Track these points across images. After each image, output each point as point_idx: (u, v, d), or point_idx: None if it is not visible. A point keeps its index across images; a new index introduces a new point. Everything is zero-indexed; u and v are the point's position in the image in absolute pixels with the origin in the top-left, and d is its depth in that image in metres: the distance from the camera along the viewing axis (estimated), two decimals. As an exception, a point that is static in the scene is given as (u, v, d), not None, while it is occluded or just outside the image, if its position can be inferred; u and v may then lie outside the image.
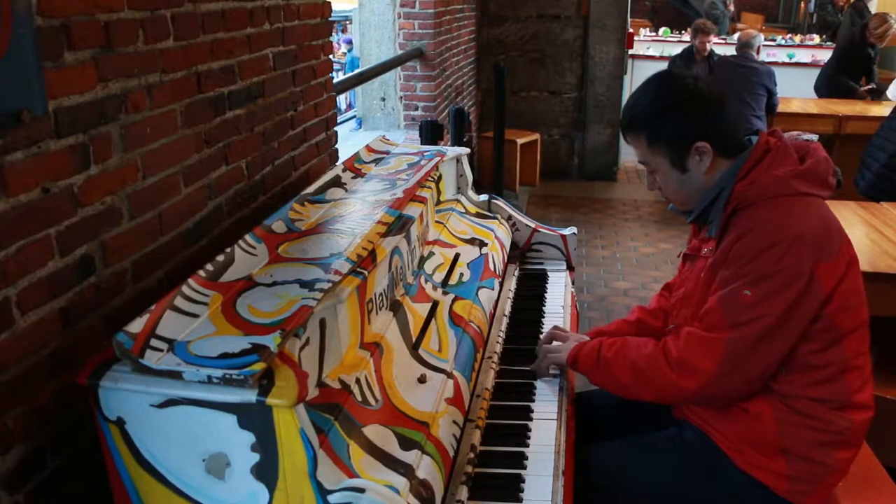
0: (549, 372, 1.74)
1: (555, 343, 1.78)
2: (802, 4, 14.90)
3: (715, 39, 7.09)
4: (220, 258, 1.41)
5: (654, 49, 10.23)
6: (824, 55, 9.03)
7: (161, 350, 1.13)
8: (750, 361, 1.46)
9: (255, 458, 1.09)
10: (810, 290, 1.43)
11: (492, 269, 2.03)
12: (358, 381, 1.28)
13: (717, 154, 1.55)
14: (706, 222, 1.61)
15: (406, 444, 1.24)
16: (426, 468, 1.21)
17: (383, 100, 4.98)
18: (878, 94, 6.55)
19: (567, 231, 2.46)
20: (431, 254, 1.93)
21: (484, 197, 2.49)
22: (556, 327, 1.90)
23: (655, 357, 1.54)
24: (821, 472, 1.52)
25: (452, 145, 4.56)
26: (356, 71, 4.01)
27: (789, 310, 1.43)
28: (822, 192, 1.52)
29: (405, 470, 1.17)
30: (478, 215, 2.36)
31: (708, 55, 6.14)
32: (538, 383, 1.73)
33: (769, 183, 1.49)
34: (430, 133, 4.16)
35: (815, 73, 7.12)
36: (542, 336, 1.90)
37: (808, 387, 1.49)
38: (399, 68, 4.70)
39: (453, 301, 1.77)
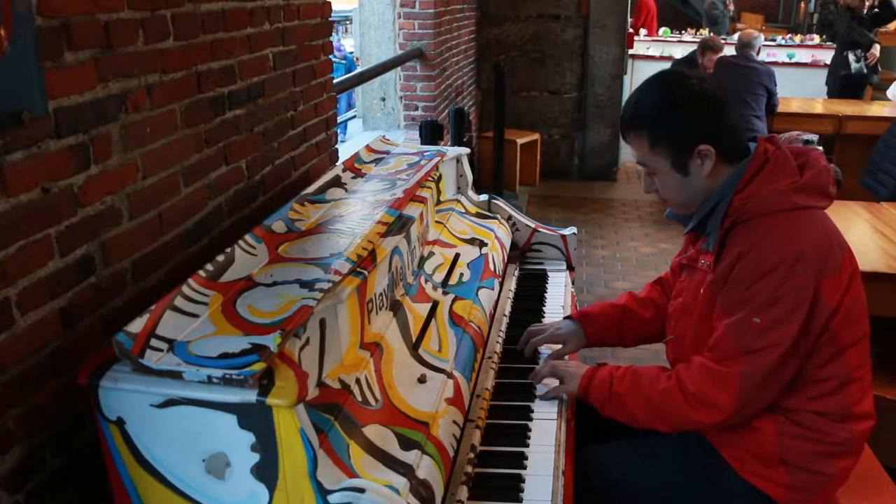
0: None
1: (560, 369, 1.69)
2: (802, 4, 14.91)
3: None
4: (220, 258, 1.41)
5: (654, 49, 10.23)
6: (824, 55, 9.05)
7: (161, 350, 1.13)
8: (766, 390, 1.45)
9: (255, 458, 1.09)
10: (817, 307, 1.41)
11: (492, 269, 2.03)
12: (358, 381, 1.28)
13: (720, 159, 1.51)
14: (703, 233, 1.58)
15: (406, 444, 1.24)
16: (426, 468, 1.21)
17: (383, 100, 4.98)
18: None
19: (567, 231, 2.46)
20: (431, 254, 1.93)
21: (484, 197, 2.49)
22: (531, 330, 1.88)
23: (671, 392, 1.51)
24: (821, 481, 1.52)
25: (452, 145, 4.56)
26: (356, 71, 4.01)
27: (800, 333, 1.41)
28: (822, 203, 1.50)
29: (405, 470, 1.17)
30: (478, 215, 2.36)
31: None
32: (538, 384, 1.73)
33: (767, 197, 1.46)
34: (430, 133, 4.16)
35: (815, 72, 7.10)
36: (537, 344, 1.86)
37: (810, 400, 1.48)
38: (399, 68, 4.70)
39: (453, 301, 1.77)
